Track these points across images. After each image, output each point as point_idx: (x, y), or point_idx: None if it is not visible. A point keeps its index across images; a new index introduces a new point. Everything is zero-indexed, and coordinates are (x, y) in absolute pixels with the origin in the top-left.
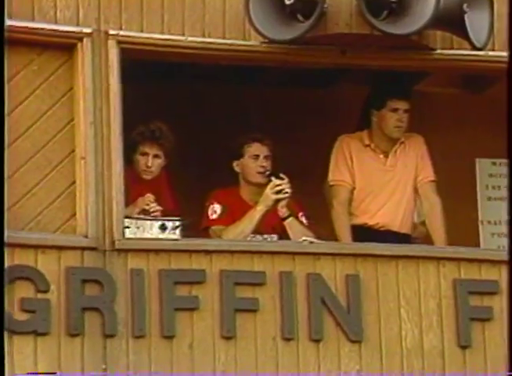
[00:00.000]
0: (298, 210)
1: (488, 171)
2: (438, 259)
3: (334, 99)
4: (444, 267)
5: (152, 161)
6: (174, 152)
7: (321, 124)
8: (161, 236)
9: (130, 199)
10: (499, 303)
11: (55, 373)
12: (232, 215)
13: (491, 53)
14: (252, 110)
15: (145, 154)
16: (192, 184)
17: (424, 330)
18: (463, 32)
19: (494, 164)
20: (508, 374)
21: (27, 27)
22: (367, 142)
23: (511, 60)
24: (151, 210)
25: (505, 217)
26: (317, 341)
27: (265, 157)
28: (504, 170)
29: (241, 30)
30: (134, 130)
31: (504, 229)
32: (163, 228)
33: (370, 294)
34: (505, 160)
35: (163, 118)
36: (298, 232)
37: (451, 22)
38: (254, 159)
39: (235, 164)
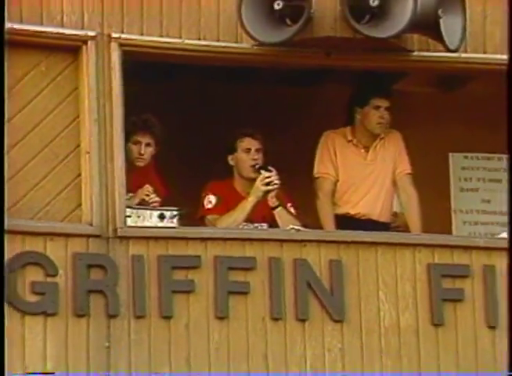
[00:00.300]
0: (287, 201)
1: (460, 165)
2: (414, 245)
3: (320, 97)
4: (419, 253)
5: (144, 149)
6: (166, 142)
7: (307, 121)
8: (160, 224)
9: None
10: (470, 285)
11: (55, 373)
12: (226, 205)
13: (464, 55)
14: (244, 107)
15: (137, 143)
16: (189, 176)
17: (401, 310)
18: (438, 35)
19: (466, 157)
20: (508, 374)
21: (35, 31)
22: (350, 137)
23: (511, 62)
24: (150, 201)
25: (476, 206)
26: (303, 321)
27: (256, 150)
28: (475, 163)
29: (234, 33)
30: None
31: (475, 217)
32: (161, 217)
33: (352, 278)
34: (476, 154)
35: (163, 114)
36: (286, 221)
37: (427, 26)
38: (246, 152)
39: (229, 158)
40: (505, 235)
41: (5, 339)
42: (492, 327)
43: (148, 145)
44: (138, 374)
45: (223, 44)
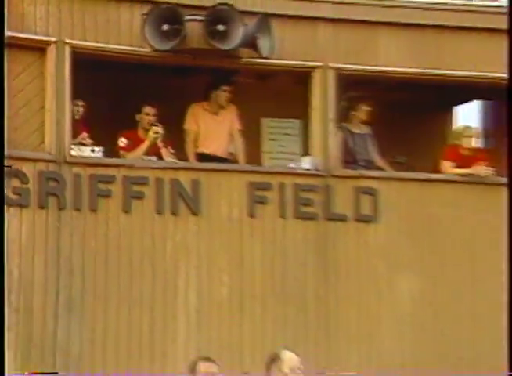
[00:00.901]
0: (168, 144)
1: (268, 125)
2: (240, 172)
3: (191, 83)
4: (242, 175)
5: (79, 108)
6: (97, 107)
7: (182, 98)
8: (92, 155)
9: None
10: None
11: (55, 373)
12: (132, 146)
13: (271, 61)
14: (147, 88)
15: (76, 105)
16: (111, 127)
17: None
18: (256, 48)
19: (272, 121)
20: (508, 374)
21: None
22: (206, 107)
23: (511, 79)
24: (84, 142)
25: (276, 149)
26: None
27: (153, 114)
28: (276, 124)
29: (140, 41)
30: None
31: (276, 155)
32: (92, 151)
33: (206, 189)
34: (277, 119)
35: (98, 90)
36: (168, 156)
37: (250, 43)
38: (146, 115)
39: (137, 116)
40: (293, 165)
41: (5, 339)
42: None
43: (82, 106)
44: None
45: (135, 48)
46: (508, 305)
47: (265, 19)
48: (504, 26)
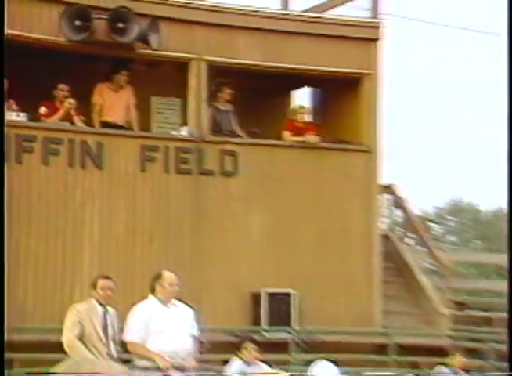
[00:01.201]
0: (79, 113)
1: (156, 102)
2: (134, 137)
3: (99, 68)
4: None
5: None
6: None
7: (92, 79)
8: (18, 119)
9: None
10: None
11: (55, 373)
12: (51, 113)
13: (156, 52)
14: (64, 71)
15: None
16: (35, 99)
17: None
18: (147, 42)
19: (159, 99)
20: (508, 374)
21: None
22: (110, 87)
23: (511, 76)
24: (11, 109)
25: (164, 120)
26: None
27: (67, 91)
28: (163, 101)
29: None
30: None
31: (166, 125)
32: (18, 116)
33: (109, 154)
34: (164, 97)
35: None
36: (79, 122)
37: (143, 38)
38: (61, 90)
39: (54, 92)
40: (174, 133)
41: (4, 336)
42: None
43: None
44: None
45: (54, 38)
46: (508, 305)
47: (155, 20)
48: (330, 32)
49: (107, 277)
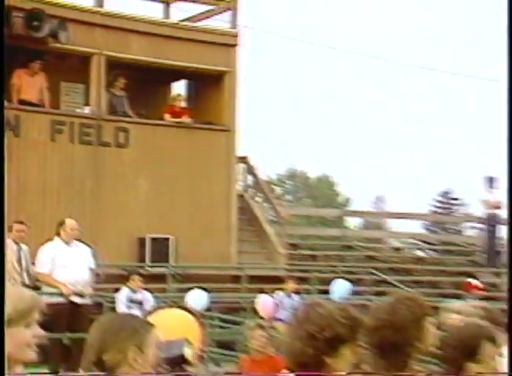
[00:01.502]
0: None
1: (65, 86)
2: (46, 113)
3: (18, 57)
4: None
5: None
6: None
7: (13, 65)
8: None
9: None
10: None
11: (56, 373)
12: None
13: (68, 47)
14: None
15: None
16: None
17: None
18: (57, 38)
19: (67, 84)
20: (508, 373)
21: None
22: (27, 72)
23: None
24: None
25: (71, 100)
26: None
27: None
28: (71, 86)
29: None
30: None
31: (73, 104)
32: None
33: (25, 126)
34: (72, 83)
35: None
36: None
37: (54, 34)
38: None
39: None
40: (79, 110)
41: (4, 340)
42: None
43: None
44: None
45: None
46: (508, 305)
47: (63, 20)
48: (200, 38)
49: (21, 222)
